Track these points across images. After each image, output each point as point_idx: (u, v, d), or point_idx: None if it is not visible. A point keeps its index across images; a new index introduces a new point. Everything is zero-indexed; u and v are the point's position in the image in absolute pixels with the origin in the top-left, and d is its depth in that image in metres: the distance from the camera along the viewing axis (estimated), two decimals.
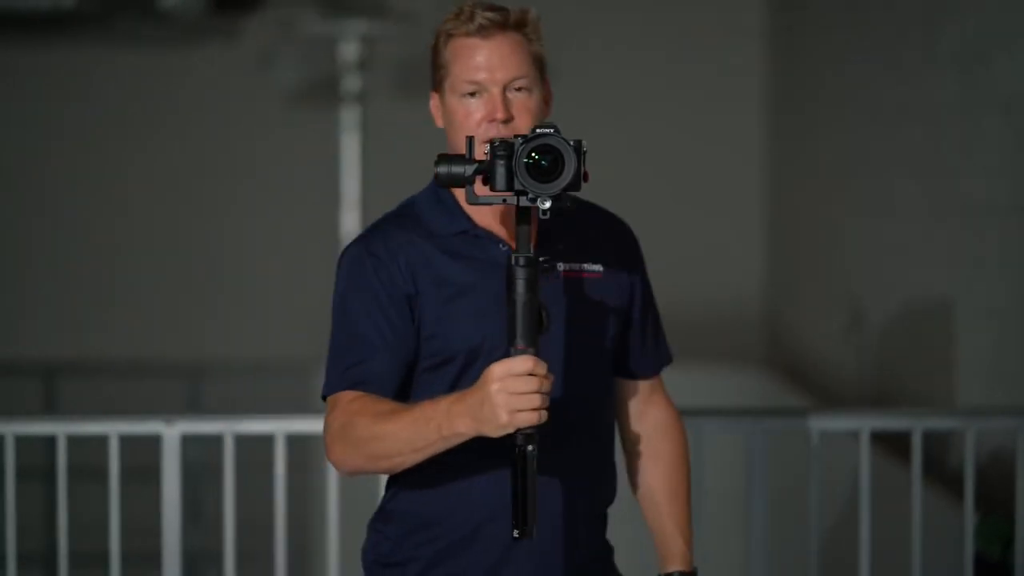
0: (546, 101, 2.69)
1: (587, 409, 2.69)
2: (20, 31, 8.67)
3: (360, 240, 2.69)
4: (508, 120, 2.61)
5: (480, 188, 2.50)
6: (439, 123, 2.70)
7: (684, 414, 3.92)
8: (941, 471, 4.84)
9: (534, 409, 2.37)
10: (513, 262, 2.43)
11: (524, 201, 2.45)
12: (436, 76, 2.67)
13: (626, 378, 2.82)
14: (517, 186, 2.45)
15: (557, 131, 2.46)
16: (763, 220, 8.61)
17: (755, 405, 6.80)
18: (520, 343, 2.41)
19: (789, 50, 8.05)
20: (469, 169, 2.49)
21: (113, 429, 3.91)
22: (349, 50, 7.92)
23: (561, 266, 2.67)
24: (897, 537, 4.18)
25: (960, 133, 5.05)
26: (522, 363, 2.37)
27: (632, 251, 2.79)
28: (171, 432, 3.91)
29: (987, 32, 4.82)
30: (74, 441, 3.94)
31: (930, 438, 4.32)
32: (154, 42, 8.73)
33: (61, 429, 3.91)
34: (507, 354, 2.42)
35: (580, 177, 2.45)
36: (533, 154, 2.44)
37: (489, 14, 2.61)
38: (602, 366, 2.72)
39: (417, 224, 2.68)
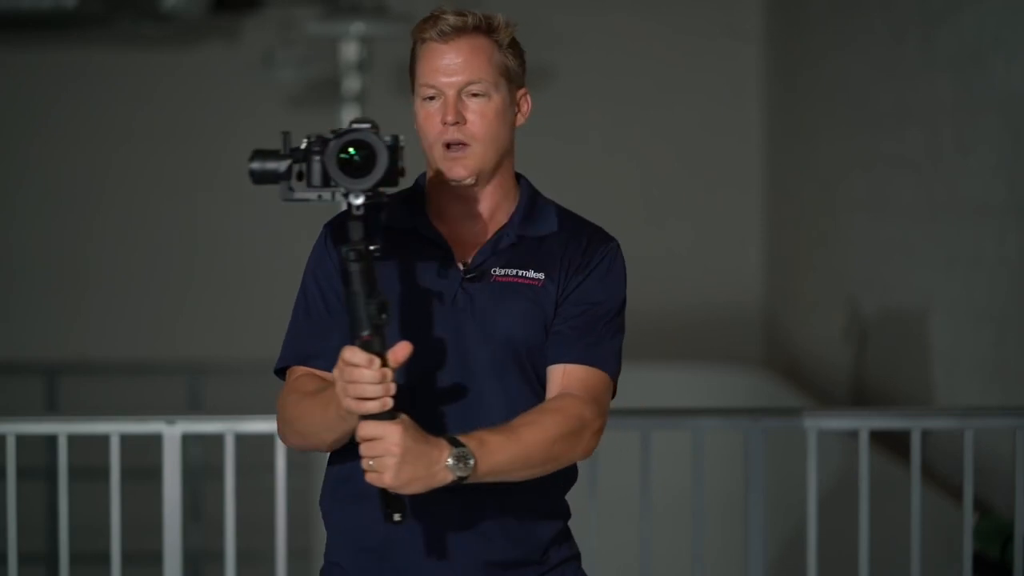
0: (518, 107, 2.66)
1: (491, 406, 2.59)
2: (21, 31, 8.68)
3: (326, 225, 2.71)
4: (459, 123, 2.58)
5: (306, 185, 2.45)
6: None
7: (684, 414, 3.94)
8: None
9: (364, 398, 2.35)
10: (345, 256, 2.39)
11: (339, 197, 2.42)
12: (411, 80, 2.68)
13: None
14: (332, 182, 2.42)
15: (374, 126, 2.43)
16: (762, 221, 8.62)
17: (754, 405, 6.81)
18: (361, 333, 2.37)
19: (788, 51, 8.06)
20: (283, 165, 2.46)
21: (114, 429, 3.90)
22: (349, 50, 7.91)
23: (497, 271, 2.63)
24: (890, 534, 4.19)
25: (957, 134, 5.06)
26: (350, 354, 2.37)
27: (593, 263, 2.66)
28: (172, 432, 3.91)
29: (984, 33, 4.83)
30: (75, 441, 3.94)
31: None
32: (154, 42, 8.74)
33: (62, 429, 3.91)
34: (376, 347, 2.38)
35: (394, 173, 2.42)
36: (349, 149, 2.41)
37: (451, 18, 2.59)
38: (516, 365, 2.62)
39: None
